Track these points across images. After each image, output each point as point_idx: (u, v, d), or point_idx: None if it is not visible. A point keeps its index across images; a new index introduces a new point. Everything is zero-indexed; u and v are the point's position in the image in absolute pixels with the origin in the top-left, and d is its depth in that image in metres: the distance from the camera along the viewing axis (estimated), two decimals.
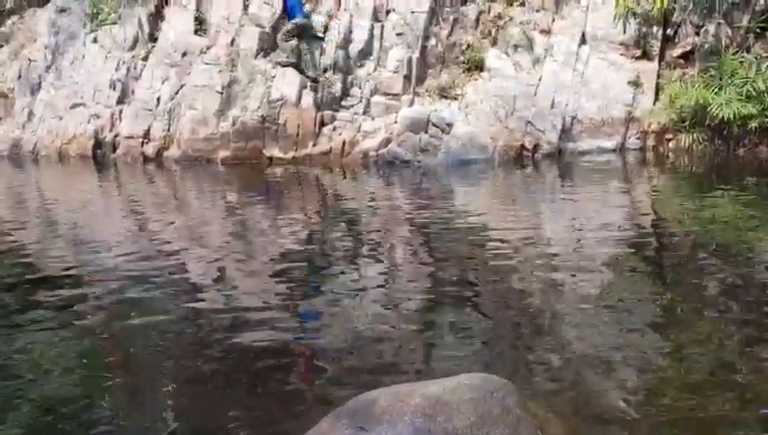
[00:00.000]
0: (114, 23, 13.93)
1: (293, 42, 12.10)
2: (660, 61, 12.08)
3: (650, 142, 11.60)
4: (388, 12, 12.83)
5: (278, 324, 4.49)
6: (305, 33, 12.22)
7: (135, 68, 13.48)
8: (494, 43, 12.57)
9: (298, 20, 12.15)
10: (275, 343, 4.16)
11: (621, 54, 12.07)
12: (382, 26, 12.69)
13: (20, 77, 14.44)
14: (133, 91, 13.35)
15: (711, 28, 11.61)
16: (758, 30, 11.59)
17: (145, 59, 13.50)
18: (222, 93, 12.35)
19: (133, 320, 4.63)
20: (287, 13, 12.34)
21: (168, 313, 4.75)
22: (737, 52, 11.24)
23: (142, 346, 4.23)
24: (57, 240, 7.31)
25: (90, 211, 9.25)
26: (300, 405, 3.45)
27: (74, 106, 13.61)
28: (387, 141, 11.57)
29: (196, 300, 5.05)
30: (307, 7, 12.49)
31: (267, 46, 12.59)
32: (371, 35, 12.60)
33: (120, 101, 13.36)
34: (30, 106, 14.17)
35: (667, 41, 12.22)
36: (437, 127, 11.55)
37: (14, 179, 12.37)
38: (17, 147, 13.94)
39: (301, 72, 12.17)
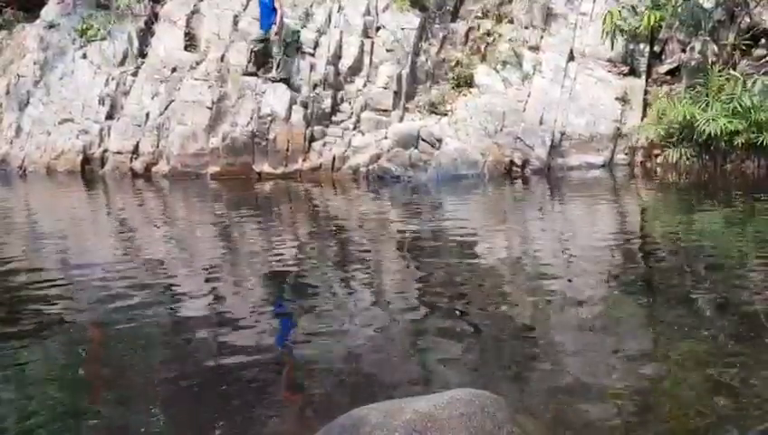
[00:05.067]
0: (104, 38, 13.91)
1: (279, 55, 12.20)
2: (647, 77, 12.19)
3: (638, 158, 11.68)
4: (378, 28, 12.90)
5: (267, 340, 4.46)
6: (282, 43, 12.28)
7: (124, 83, 13.45)
8: (483, 59, 12.64)
9: (260, 35, 12.32)
10: (264, 358, 4.12)
11: (609, 71, 12.18)
12: (372, 42, 12.75)
13: (8, 92, 14.35)
14: (122, 107, 13.31)
15: (697, 45, 11.73)
16: (744, 47, 11.73)
17: (134, 74, 13.48)
18: (212, 109, 12.33)
19: (119, 335, 4.58)
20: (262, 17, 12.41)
21: (155, 330, 4.71)
22: (723, 68, 11.35)
23: (128, 363, 4.18)
24: (43, 256, 7.24)
25: (77, 227, 9.19)
26: (290, 422, 3.42)
27: (63, 121, 13.54)
28: (377, 157, 11.57)
29: (183, 317, 5.01)
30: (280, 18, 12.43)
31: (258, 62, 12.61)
32: (361, 51, 12.66)
33: (109, 116, 13.30)
34: (18, 121, 14.08)
35: (655, 57, 12.36)
36: (427, 142, 11.58)
37: (0, 195, 12.27)
38: (4, 162, 13.83)
39: (290, 87, 12.20)
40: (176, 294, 5.61)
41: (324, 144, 12.07)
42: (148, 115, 12.91)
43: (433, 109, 12.20)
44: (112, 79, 13.51)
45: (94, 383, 3.91)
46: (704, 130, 10.61)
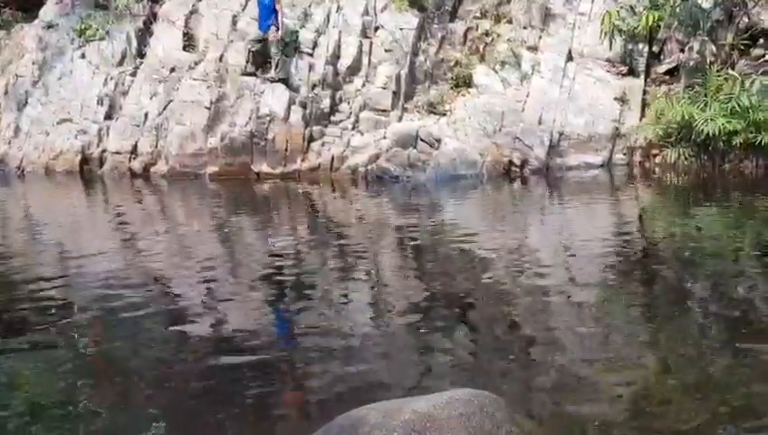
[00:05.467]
0: (102, 38, 13.89)
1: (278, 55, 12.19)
2: (646, 77, 12.19)
3: (637, 158, 11.69)
4: (376, 28, 12.90)
5: (266, 340, 4.46)
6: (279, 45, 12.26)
7: (123, 83, 13.44)
8: (481, 59, 12.64)
9: (258, 36, 12.29)
10: (263, 359, 4.12)
11: (608, 71, 12.18)
12: (371, 43, 12.74)
13: (6, 93, 14.33)
14: (121, 107, 13.29)
15: (696, 45, 11.74)
16: (742, 47, 11.73)
17: (133, 74, 13.46)
18: (210, 109, 12.32)
19: (119, 339, 4.58)
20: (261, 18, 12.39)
21: (153, 330, 4.71)
22: (722, 68, 11.36)
23: (126, 363, 4.18)
24: (40, 256, 7.24)
25: (76, 229, 9.18)
26: (289, 422, 3.42)
27: (61, 122, 13.52)
28: (376, 157, 11.57)
29: (182, 317, 5.00)
30: (284, 20, 12.41)
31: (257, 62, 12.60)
32: (360, 52, 12.65)
33: (108, 116, 13.29)
34: (16, 122, 14.06)
35: (653, 57, 12.36)
36: (426, 142, 11.58)
37: None
38: (3, 163, 13.82)
39: (289, 87, 12.20)
40: (173, 294, 5.61)
41: (323, 144, 12.06)
42: (146, 115, 12.90)
43: (432, 109, 12.20)
44: (111, 79, 13.50)
45: (93, 384, 3.91)
46: (702, 129, 10.62)
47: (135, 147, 12.80)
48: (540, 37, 12.57)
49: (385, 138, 11.77)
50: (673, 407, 3.34)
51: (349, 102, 12.42)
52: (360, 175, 11.50)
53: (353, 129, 12.19)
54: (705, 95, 11.02)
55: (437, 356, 4.09)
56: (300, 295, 5.48)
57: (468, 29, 12.97)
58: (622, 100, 11.90)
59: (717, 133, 10.53)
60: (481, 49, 12.71)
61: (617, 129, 11.74)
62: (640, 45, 12.23)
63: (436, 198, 10.25)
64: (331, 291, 5.53)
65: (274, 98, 12.14)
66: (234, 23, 13.19)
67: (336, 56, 12.62)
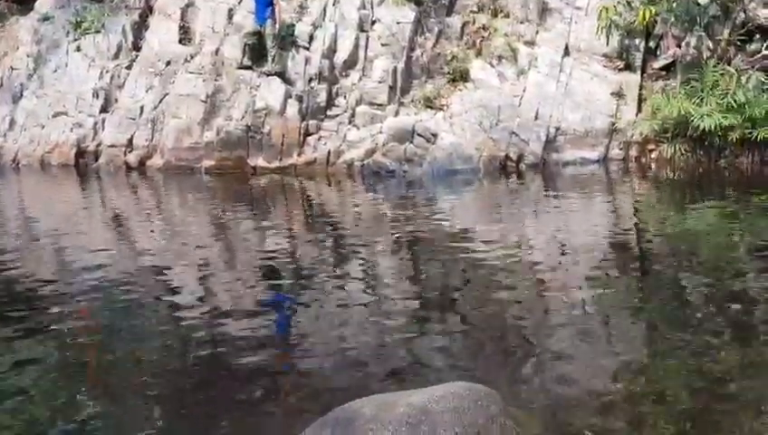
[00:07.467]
0: (98, 31, 13.83)
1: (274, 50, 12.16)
2: (643, 72, 12.19)
3: (633, 153, 11.70)
4: (373, 22, 12.86)
5: (261, 335, 4.46)
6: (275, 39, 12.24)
7: (118, 76, 13.39)
8: (478, 54, 12.62)
9: (254, 29, 12.27)
10: (259, 353, 4.13)
11: (604, 66, 12.18)
12: (367, 36, 12.71)
13: (2, 85, 14.29)
14: (116, 100, 13.25)
15: (692, 40, 11.75)
16: (738, 42, 11.74)
17: (129, 67, 13.42)
18: (206, 102, 12.29)
19: (112, 337, 4.58)
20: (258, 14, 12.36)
21: (150, 327, 4.71)
22: (718, 64, 11.37)
23: (124, 360, 4.18)
24: (35, 252, 7.22)
25: (71, 222, 9.15)
26: (284, 414, 3.43)
27: (57, 114, 13.48)
28: (372, 151, 11.56)
29: (177, 314, 5.00)
30: (280, 15, 12.38)
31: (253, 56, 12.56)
32: (356, 45, 12.62)
33: (104, 109, 13.24)
34: (12, 114, 14.02)
35: (650, 53, 12.36)
36: (422, 137, 11.56)
37: None
38: None
39: (285, 81, 12.17)
40: (170, 290, 5.60)
41: (319, 138, 12.04)
42: (142, 108, 12.86)
43: (428, 103, 12.18)
44: (106, 72, 13.45)
45: (90, 381, 3.91)
46: (698, 125, 10.64)
47: (130, 140, 12.77)
48: (537, 32, 12.56)
49: (381, 132, 11.75)
50: (666, 403, 3.35)
51: (345, 96, 12.39)
52: (357, 169, 11.49)
53: (349, 123, 12.17)
54: (702, 91, 11.03)
55: (432, 350, 4.09)
56: (295, 290, 5.48)
57: (465, 23, 12.95)
58: (619, 95, 11.90)
59: (713, 129, 10.55)
60: (478, 43, 12.69)
61: (613, 124, 11.75)
62: (637, 40, 12.22)
63: (433, 193, 10.25)
64: (327, 285, 5.53)
65: (270, 92, 12.12)
66: (230, 16, 13.14)
67: (332, 50, 12.59)
